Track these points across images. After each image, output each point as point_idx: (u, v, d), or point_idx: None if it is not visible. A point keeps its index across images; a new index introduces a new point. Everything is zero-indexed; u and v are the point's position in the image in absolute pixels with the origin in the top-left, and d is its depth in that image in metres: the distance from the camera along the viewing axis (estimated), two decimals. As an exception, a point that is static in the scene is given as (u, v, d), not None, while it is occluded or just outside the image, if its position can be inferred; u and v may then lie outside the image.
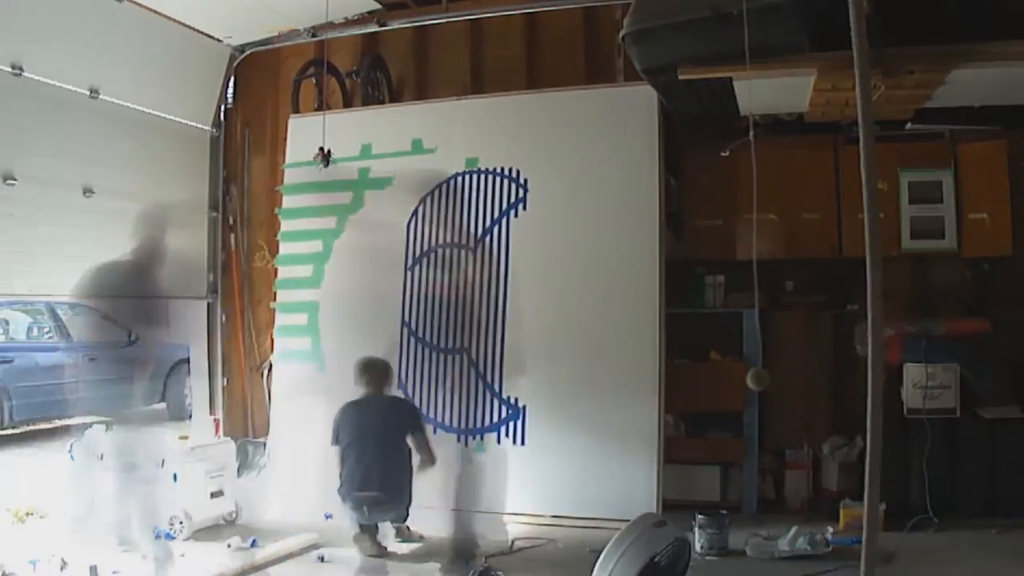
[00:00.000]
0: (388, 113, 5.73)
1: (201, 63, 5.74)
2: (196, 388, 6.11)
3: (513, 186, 5.19)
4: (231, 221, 6.16)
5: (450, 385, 5.09)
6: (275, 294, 5.73)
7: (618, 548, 3.26)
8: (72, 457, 5.23)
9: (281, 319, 5.64)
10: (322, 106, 5.70)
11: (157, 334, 4.45)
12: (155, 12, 5.05)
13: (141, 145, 5.28)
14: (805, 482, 4.96)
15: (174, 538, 4.44)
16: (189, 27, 5.41)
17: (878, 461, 2.65)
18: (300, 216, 5.62)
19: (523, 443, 4.93)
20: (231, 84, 6.09)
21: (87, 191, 4.82)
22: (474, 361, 5.08)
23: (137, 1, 4.90)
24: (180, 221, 4.33)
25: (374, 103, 5.84)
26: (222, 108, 6.04)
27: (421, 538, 4.49)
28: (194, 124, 5.84)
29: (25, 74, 4.42)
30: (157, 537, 4.31)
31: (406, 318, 5.27)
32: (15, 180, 4.36)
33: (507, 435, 4.95)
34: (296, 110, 5.89)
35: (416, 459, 4.43)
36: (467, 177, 5.29)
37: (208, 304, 6.04)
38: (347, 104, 5.94)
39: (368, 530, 4.31)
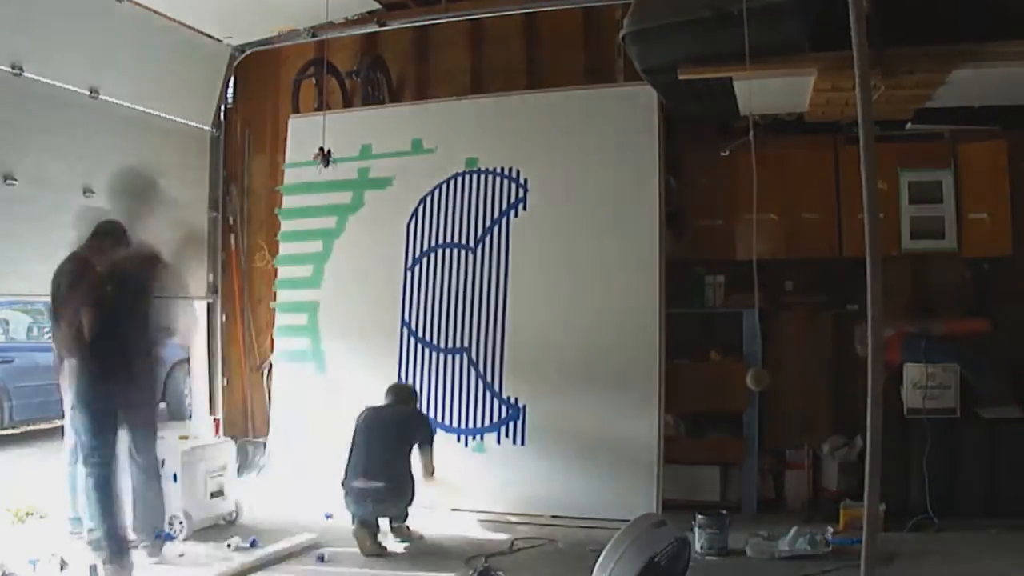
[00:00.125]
0: (388, 113, 5.74)
1: (201, 63, 5.74)
2: (196, 388, 6.11)
3: (513, 186, 5.19)
4: (231, 221, 6.16)
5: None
6: (275, 294, 5.74)
7: (618, 548, 3.26)
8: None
9: (281, 319, 5.65)
10: (322, 106, 5.70)
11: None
12: (155, 12, 5.05)
13: (141, 145, 5.28)
14: (805, 482, 4.96)
15: (174, 538, 4.44)
16: (189, 27, 5.41)
17: (878, 461, 2.65)
18: (300, 216, 5.62)
19: (523, 443, 4.93)
20: (231, 84, 6.09)
21: (87, 191, 4.82)
22: (474, 361, 5.09)
23: (137, 1, 4.91)
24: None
25: (374, 103, 5.85)
26: (222, 108, 6.04)
27: (421, 538, 4.49)
28: (194, 124, 5.84)
29: (25, 74, 4.42)
30: (157, 538, 4.31)
31: (406, 318, 5.27)
32: (15, 180, 4.36)
33: (507, 435, 4.95)
34: (296, 110, 5.89)
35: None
36: (467, 177, 5.29)
37: (208, 304, 6.04)
38: (347, 104, 5.94)
39: (368, 528, 4.31)
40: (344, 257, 5.45)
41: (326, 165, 4.58)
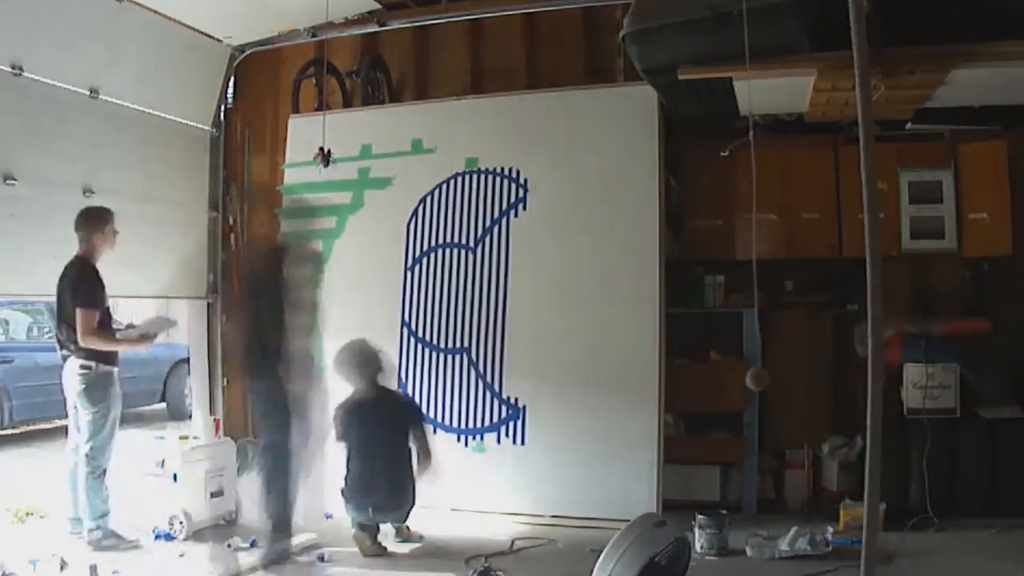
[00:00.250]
0: (388, 113, 5.74)
1: (201, 63, 5.74)
2: (196, 388, 6.11)
3: (513, 186, 5.19)
4: (231, 221, 6.16)
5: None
6: (275, 294, 5.73)
7: (618, 548, 3.26)
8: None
9: (281, 319, 5.64)
10: (322, 106, 5.70)
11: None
12: (155, 12, 5.05)
13: (141, 145, 5.28)
14: (805, 482, 4.96)
15: (174, 538, 4.44)
16: (189, 27, 5.41)
17: (878, 461, 2.65)
18: (300, 216, 5.61)
19: (523, 443, 4.93)
20: (231, 84, 6.09)
21: (87, 191, 4.81)
22: (474, 361, 5.09)
23: (137, 1, 4.90)
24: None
25: (374, 103, 5.85)
26: (222, 108, 6.03)
27: (421, 538, 4.49)
28: (194, 124, 5.84)
29: (25, 74, 4.42)
30: (157, 538, 4.32)
31: (406, 318, 5.27)
32: (15, 180, 4.36)
33: (507, 435, 4.95)
34: (296, 110, 5.89)
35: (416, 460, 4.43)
36: (467, 177, 5.29)
37: (208, 304, 6.04)
38: (347, 104, 5.94)
39: (368, 529, 4.32)
40: (344, 257, 5.44)
41: (326, 165, 4.58)
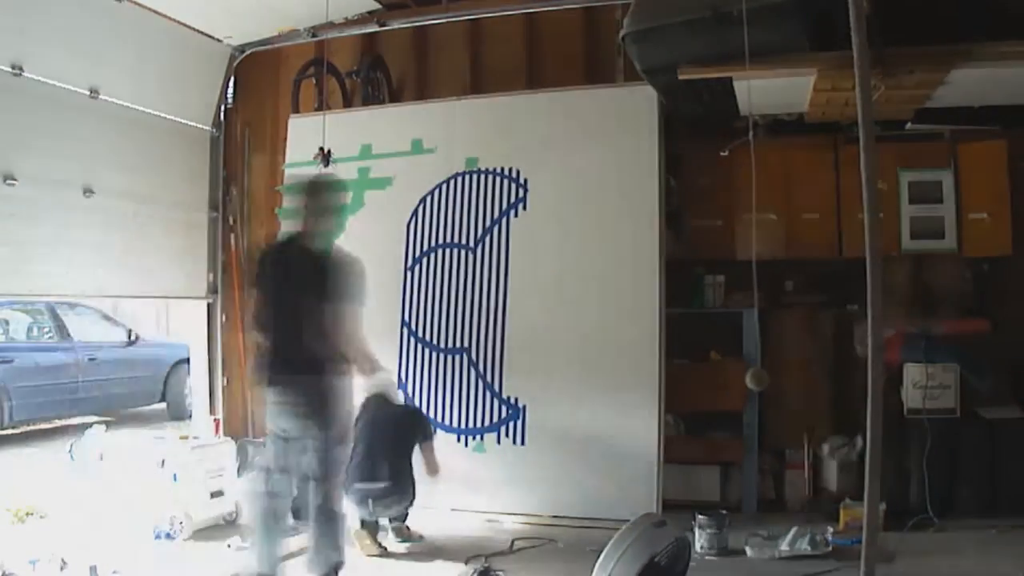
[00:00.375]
0: (388, 113, 5.74)
1: (201, 63, 5.74)
2: (196, 388, 6.11)
3: (513, 186, 5.19)
4: (231, 221, 6.16)
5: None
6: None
7: (618, 548, 3.27)
8: (72, 457, 5.24)
9: (281, 319, 5.64)
10: (322, 106, 5.70)
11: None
12: (155, 12, 5.05)
13: (141, 145, 5.28)
14: (805, 482, 4.96)
15: (174, 538, 4.44)
16: (189, 27, 5.41)
17: (878, 461, 2.66)
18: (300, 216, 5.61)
19: (523, 443, 4.93)
20: (231, 84, 6.09)
21: (87, 191, 4.82)
22: (474, 361, 5.09)
23: (137, 1, 4.90)
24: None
25: (374, 103, 5.85)
26: (222, 108, 6.04)
27: (421, 538, 4.49)
28: (194, 124, 5.84)
29: (25, 74, 4.42)
30: (157, 538, 4.32)
31: (406, 318, 5.27)
32: (15, 180, 4.36)
33: (507, 435, 4.95)
34: (296, 110, 5.89)
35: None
36: (467, 177, 5.29)
37: (208, 304, 6.05)
38: (347, 104, 5.95)
39: (369, 528, 4.31)
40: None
41: (326, 165, 4.58)
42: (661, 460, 4.64)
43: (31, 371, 8.07)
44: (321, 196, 3.77)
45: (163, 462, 4.58)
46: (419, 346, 5.23)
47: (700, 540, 4.16)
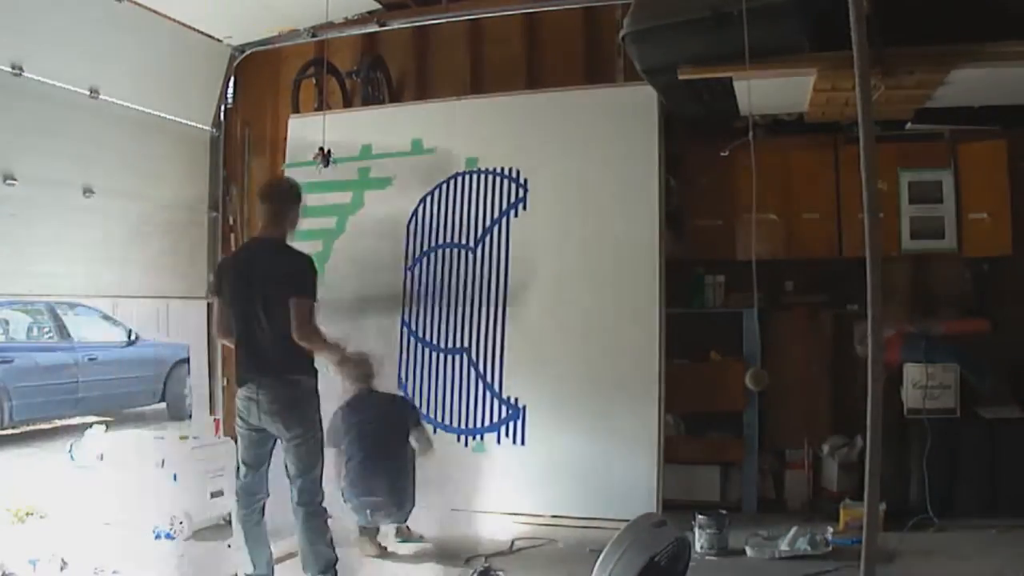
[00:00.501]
0: (388, 113, 5.73)
1: (201, 63, 5.74)
2: (196, 388, 6.11)
3: (513, 186, 5.19)
4: (231, 221, 6.16)
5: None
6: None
7: (618, 548, 3.26)
8: (72, 457, 5.24)
9: (281, 319, 5.63)
10: (322, 106, 5.70)
11: None
12: (155, 12, 5.04)
13: (141, 145, 5.27)
14: (805, 482, 4.96)
15: (174, 538, 4.45)
16: (189, 27, 5.40)
17: (878, 461, 2.65)
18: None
19: (523, 443, 4.93)
20: (231, 84, 6.08)
21: (87, 191, 4.81)
22: (474, 361, 5.09)
23: (137, 1, 4.90)
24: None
25: (374, 103, 5.84)
26: (222, 108, 6.03)
27: (421, 538, 4.49)
28: (194, 124, 5.83)
29: (25, 74, 4.42)
30: (157, 537, 4.32)
31: (406, 318, 5.27)
32: (15, 180, 4.35)
33: (507, 435, 4.95)
34: (296, 110, 5.89)
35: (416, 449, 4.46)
36: (467, 177, 5.29)
37: (208, 304, 6.04)
38: (347, 104, 5.94)
39: (368, 531, 4.31)
40: (344, 257, 5.44)
41: (326, 165, 4.58)
42: (661, 460, 4.64)
43: (31, 371, 8.07)
44: (273, 200, 3.77)
45: (163, 462, 4.58)
46: (419, 346, 5.23)
47: (700, 540, 4.16)
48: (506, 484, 4.91)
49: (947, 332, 4.76)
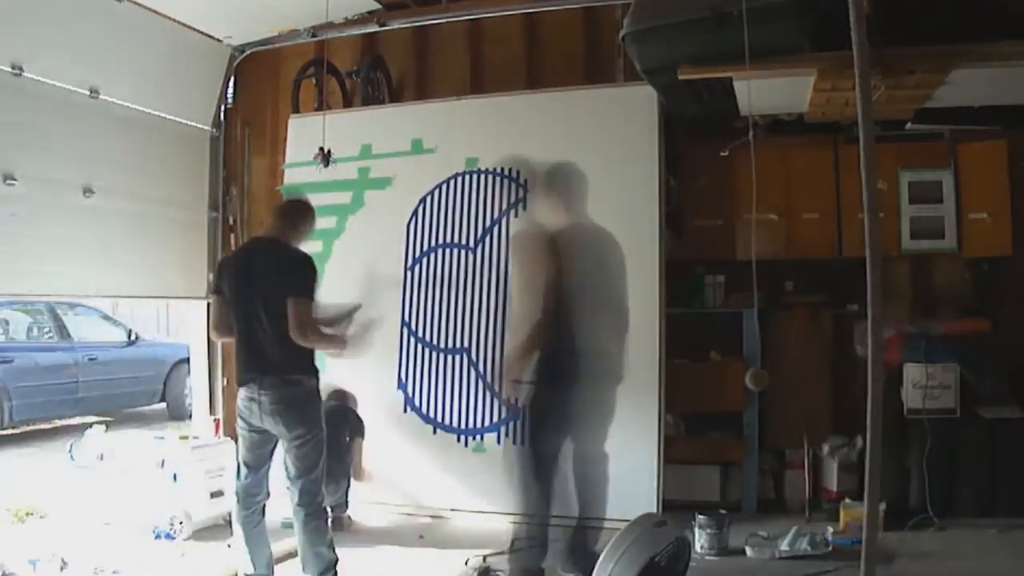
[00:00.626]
0: (388, 113, 5.73)
1: (201, 63, 5.74)
2: (196, 388, 6.11)
3: (513, 186, 5.19)
4: (231, 221, 6.16)
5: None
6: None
7: (618, 548, 3.27)
8: (72, 457, 5.24)
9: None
10: (322, 106, 5.70)
11: None
12: (155, 12, 5.05)
13: (141, 145, 5.28)
14: (805, 482, 4.96)
15: (174, 538, 4.44)
16: (189, 27, 5.41)
17: (878, 461, 2.65)
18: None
19: (523, 443, 4.91)
20: (231, 84, 6.09)
21: (87, 191, 4.81)
22: (474, 361, 5.08)
23: (137, 1, 4.90)
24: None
25: (374, 103, 5.84)
26: (222, 108, 6.04)
27: (421, 537, 4.48)
28: (194, 124, 5.84)
29: (25, 74, 4.42)
30: (157, 537, 4.31)
31: (406, 318, 5.27)
32: (15, 180, 4.36)
33: (507, 435, 4.94)
34: (296, 110, 5.89)
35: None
36: (467, 177, 5.29)
37: (208, 304, 6.03)
38: (347, 104, 5.94)
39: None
40: (344, 257, 5.44)
41: (326, 165, 4.58)
42: (661, 460, 4.64)
43: (31, 371, 8.07)
44: (287, 215, 3.80)
45: (163, 462, 4.58)
46: (419, 346, 5.22)
47: (700, 540, 4.16)
48: (506, 484, 4.89)
49: (947, 332, 4.76)
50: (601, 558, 3.29)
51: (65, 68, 4.68)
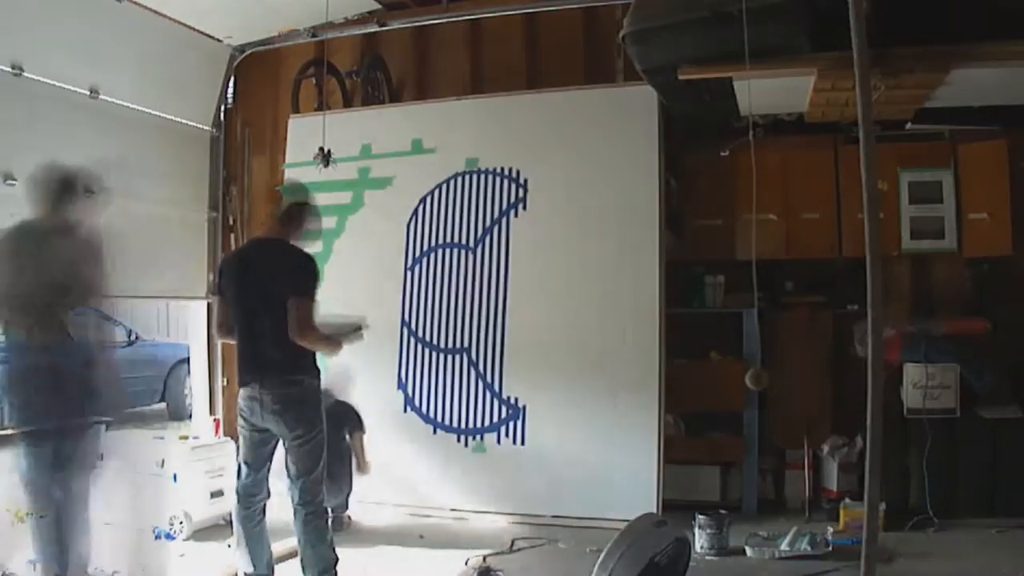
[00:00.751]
0: (388, 113, 5.74)
1: (201, 63, 5.74)
2: (196, 388, 6.11)
3: (513, 186, 5.19)
4: (231, 221, 6.16)
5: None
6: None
7: (618, 548, 3.27)
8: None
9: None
10: (322, 106, 5.70)
11: None
12: (155, 12, 5.05)
13: (141, 145, 5.28)
14: (805, 482, 4.96)
15: (174, 538, 4.44)
16: (189, 27, 5.41)
17: (878, 461, 2.66)
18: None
19: (523, 443, 4.93)
20: (231, 84, 6.09)
21: (87, 191, 4.81)
22: (474, 361, 5.09)
23: (137, 1, 4.90)
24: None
25: (374, 103, 5.85)
26: (222, 108, 6.04)
27: (421, 537, 4.48)
28: (194, 124, 5.84)
29: (25, 74, 4.42)
30: (157, 537, 4.31)
31: (406, 318, 5.27)
32: (15, 180, 4.35)
33: (507, 435, 4.95)
34: (296, 110, 5.89)
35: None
36: (467, 177, 5.29)
37: (208, 304, 6.04)
38: (347, 104, 5.94)
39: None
40: (344, 257, 5.44)
41: (326, 165, 4.58)
42: (661, 460, 4.64)
43: (31, 371, 8.05)
44: (294, 217, 3.73)
45: (163, 462, 4.58)
46: (419, 346, 5.23)
47: (700, 540, 4.16)
48: (506, 484, 4.91)
49: (947, 332, 4.76)
50: (601, 558, 3.29)
51: (65, 68, 4.68)
